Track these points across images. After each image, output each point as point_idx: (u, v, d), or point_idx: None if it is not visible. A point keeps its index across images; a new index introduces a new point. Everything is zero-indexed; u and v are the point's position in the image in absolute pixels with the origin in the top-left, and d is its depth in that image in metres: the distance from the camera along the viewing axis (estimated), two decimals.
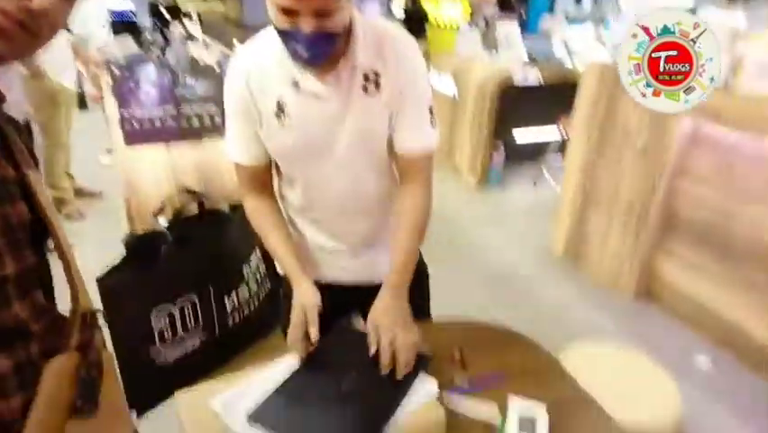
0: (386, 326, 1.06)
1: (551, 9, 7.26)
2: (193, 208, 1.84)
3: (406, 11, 6.62)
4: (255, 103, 1.08)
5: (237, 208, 1.63)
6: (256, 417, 0.94)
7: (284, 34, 0.97)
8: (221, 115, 2.23)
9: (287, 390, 1.01)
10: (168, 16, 3.74)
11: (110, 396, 0.59)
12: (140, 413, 1.46)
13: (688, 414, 1.51)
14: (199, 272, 1.55)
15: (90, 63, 3.68)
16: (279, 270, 1.31)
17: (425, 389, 1.03)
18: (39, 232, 0.59)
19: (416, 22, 5.82)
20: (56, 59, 3.24)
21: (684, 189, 2.67)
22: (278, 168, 1.21)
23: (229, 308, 1.64)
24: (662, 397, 1.52)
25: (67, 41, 3.44)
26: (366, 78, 1.07)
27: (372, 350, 1.06)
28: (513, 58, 4.45)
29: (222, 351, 1.65)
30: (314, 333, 1.07)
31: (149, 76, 2.08)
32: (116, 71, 2.05)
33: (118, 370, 0.68)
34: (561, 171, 3.45)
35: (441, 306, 1.39)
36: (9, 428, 0.51)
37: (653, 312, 2.88)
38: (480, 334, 1.29)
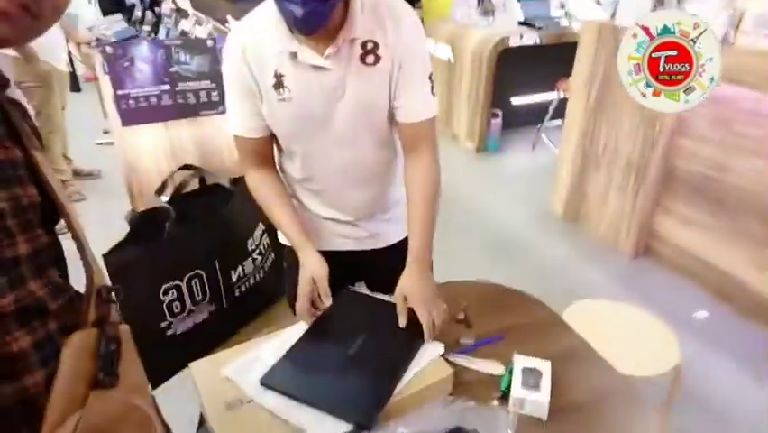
0: (420, 302, 1.08)
1: None
2: (194, 185, 1.85)
3: None
4: (254, 76, 1.08)
5: (238, 183, 1.65)
6: (268, 380, 0.98)
7: None
8: (217, 91, 2.22)
9: (296, 354, 1.05)
10: None
11: (129, 368, 0.61)
12: (154, 385, 1.51)
13: (687, 362, 1.56)
14: (205, 247, 1.58)
15: (81, 43, 3.64)
16: (283, 240, 1.33)
17: (431, 349, 1.06)
18: (49, 213, 0.60)
19: None
20: (47, 41, 3.20)
21: (682, 146, 2.67)
22: (278, 141, 1.22)
23: (235, 280, 1.67)
24: (661, 347, 1.56)
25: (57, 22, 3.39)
26: (365, 48, 1.07)
27: (402, 322, 1.08)
28: (509, 21, 4.38)
29: (230, 322, 1.69)
30: (328, 302, 1.10)
31: (142, 54, 2.06)
32: (109, 50, 2.03)
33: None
34: (559, 135, 3.44)
35: (444, 269, 1.42)
36: (34, 402, 0.53)
37: (652, 268, 2.92)
38: (484, 293, 1.32)
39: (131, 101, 2.13)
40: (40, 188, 0.58)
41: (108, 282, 0.64)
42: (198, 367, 1.05)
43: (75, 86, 5.18)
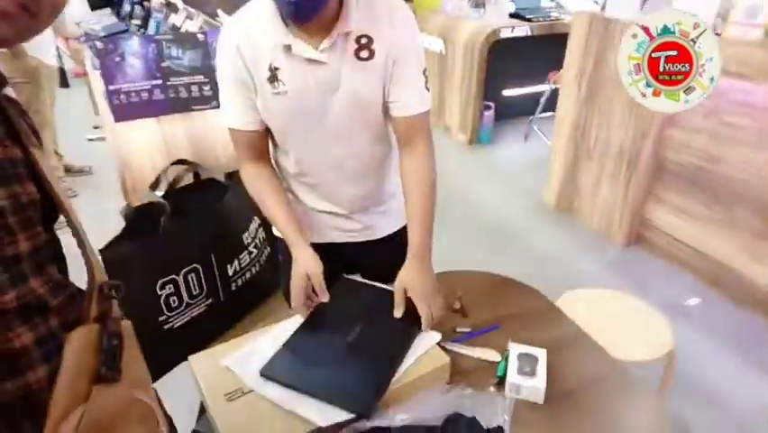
0: (421, 297, 1.09)
1: None
2: (188, 179, 1.85)
3: None
4: (248, 70, 1.08)
5: (233, 177, 1.65)
6: (268, 371, 0.98)
7: None
8: (209, 85, 2.21)
9: (295, 344, 1.06)
10: None
11: (131, 363, 0.61)
12: (153, 379, 1.52)
13: (680, 348, 1.58)
14: (201, 241, 1.58)
15: (70, 38, 3.60)
16: (278, 233, 1.34)
17: (428, 338, 1.07)
18: (48, 210, 0.60)
19: None
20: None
21: (673, 136, 2.69)
22: (272, 135, 1.22)
23: (231, 274, 1.67)
24: (654, 333, 1.59)
25: None
26: (359, 43, 1.07)
27: (398, 313, 1.10)
28: (500, 13, 4.39)
29: (227, 315, 1.70)
30: (324, 298, 1.12)
31: (133, 49, 2.04)
32: (100, 45, 2.01)
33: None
34: (551, 126, 3.46)
35: (439, 260, 1.43)
36: (37, 397, 0.54)
37: (644, 257, 2.96)
38: (480, 283, 1.34)
39: (122, 96, 2.12)
40: (38, 185, 0.58)
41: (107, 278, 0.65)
42: (197, 360, 1.06)
43: (63, 81, 5.13)
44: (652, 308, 1.69)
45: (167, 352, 1.36)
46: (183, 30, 2.55)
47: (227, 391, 0.96)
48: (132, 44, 2.06)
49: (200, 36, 2.16)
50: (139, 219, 1.55)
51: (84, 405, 0.55)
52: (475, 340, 1.15)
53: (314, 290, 1.12)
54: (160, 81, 2.15)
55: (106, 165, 3.74)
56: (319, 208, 1.31)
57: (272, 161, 1.29)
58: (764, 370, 2.18)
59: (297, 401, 0.93)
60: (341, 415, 0.90)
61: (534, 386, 0.99)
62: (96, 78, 2.66)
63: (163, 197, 1.63)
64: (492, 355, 1.10)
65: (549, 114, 4.02)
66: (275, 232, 1.36)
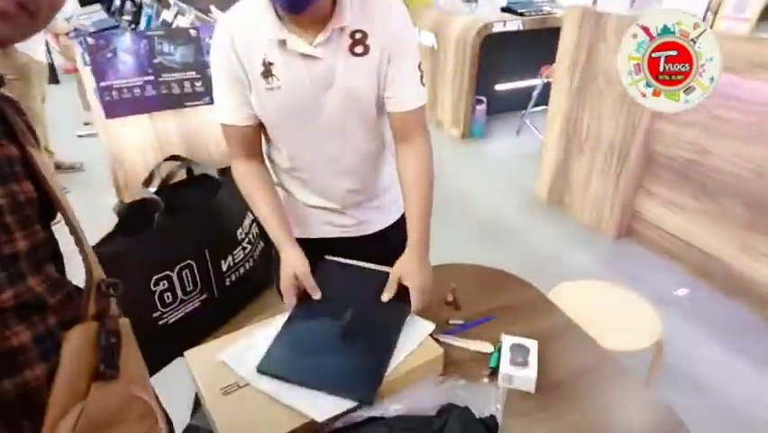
0: (418, 288, 1.10)
1: None
2: (181, 175, 1.84)
3: None
4: (242, 65, 1.08)
5: (226, 173, 1.65)
6: (265, 367, 0.99)
7: None
8: (201, 81, 2.21)
9: (289, 336, 1.06)
10: None
11: (130, 361, 0.62)
12: (149, 375, 1.52)
13: (669, 338, 1.61)
14: (195, 237, 1.58)
15: (59, 34, 3.57)
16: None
17: (422, 327, 1.09)
18: (45, 209, 0.60)
19: None
20: None
21: (663, 130, 2.72)
22: (266, 131, 1.22)
23: (225, 270, 1.68)
24: (643, 323, 1.61)
25: None
26: (354, 38, 1.07)
27: (386, 298, 1.11)
28: (492, 8, 4.40)
29: (221, 311, 1.70)
30: (317, 296, 1.12)
31: (125, 45, 2.03)
32: (91, 42, 2.00)
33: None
34: (543, 120, 3.48)
35: (432, 254, 1.44)
36: (35, 395, 0.54)
37: (634, 250, 2.99)
38: (472, 276, 1.36)
39: (114, 92, 2.11)
40: (36, 183, 0.58)
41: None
42: (193, 355, 1.06)
43: (53, 77, 5.09)
44: (641, 299, 1.72)
45: (161, 348, 1.37)
46: (174, 26, 2.54)
47: (223, 386, 0.97)
48: (124, 40, 2.06)
49: (192, 32, 2.15)
50: (132, 215, 1.55)
51: (82, 403, 0.55)
52: (468, 332, 1.16)
53: (305, 291, 1.13)
54: (151, 77, 2.14)
55: (97, 161, 3.73)
56: (312, 204, 1.31)
57: (265, 157, 1.29)
58: (751, 358, 2.22)
59: (295, 395, 0.93)
60: (338, 408, 0.91)
61: (525, 376, 1.00)
62: (86, 75, 2.64)
63: (156, 193, 1.63)
64: (485, 347, 1.11)
65: (541, 108, 4.04)
66: None
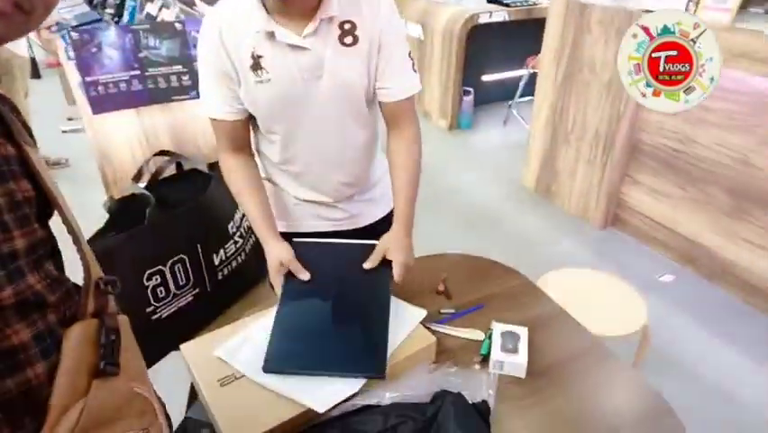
0: (403, 261, 1.13)
1: None
2: (171, 170, 1.84)
3: None
4: (231, 59, 1.08)
5: (216, 167, 1.65)
6: (270, 366, 0.97)
7: None
8: (188, 75, 2.20)
9: (284, 328, 1.05)
10: None
11: (129, 357, 0.62)
12: None
13: (654, 323, 1.65)
14: (187, 232, 1.58)
15: (41, 28, 3.51)
16: None
17: (414, 313, 1.11)
18: (43, 207, 0.60)
19: None
20: None
21: (647, 119, 2.76)
22: (254, 124, 1.22)
23: (217, 264, 1.68)
24: (630, 309, 1.65)
25: None
26: (342, 29, 1.08)
27: (369, 265, 1.13)
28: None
29: (214, 304, 1.70)
30: (305, 278, 1.12)
31: (110, 39, 2.01)
32: (75, 36, 1.98)
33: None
34: (530, 110, 3.50)
35: (421, 244, 1.46)
36: (37, 393, 0.54)
37: (620, 237, 3.04)
38: (462, 265, 1.38)
39: (100, 87, 2.09)
40: (33, 182, 0.58)
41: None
42: (189, 348, 1.07)
43: (35, 72, 5.01)
44: (627, 286, 1.76)
45: (155, 342, 1.36)
46: (159, 19, 2.51)
47: (220, 377, 0.98)
48: (109, 35, 2.03)
49: (178, 25, 2.13)
50: (123, 211, 1.55)
51: (83, 400, 0.55)
52: (459, 321, 1.18)
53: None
54: (137, 72, 2.12)
55: (83, 157, 3.69)
56: (303, 198, 1.32)
57: (254, 150, 1.29)
58: (735, 342, 2.28)
59: (295, 387, 0.93)
60: (338, 397, 0.92)
61: (516, 362, 1.03)
62: (70, 69, 2.61)
63: (146, 188, 1.62)
64: (476, 335, 1.14)
65: (528, 98, 4.06)
66: None
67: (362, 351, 0.99)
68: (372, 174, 1.33)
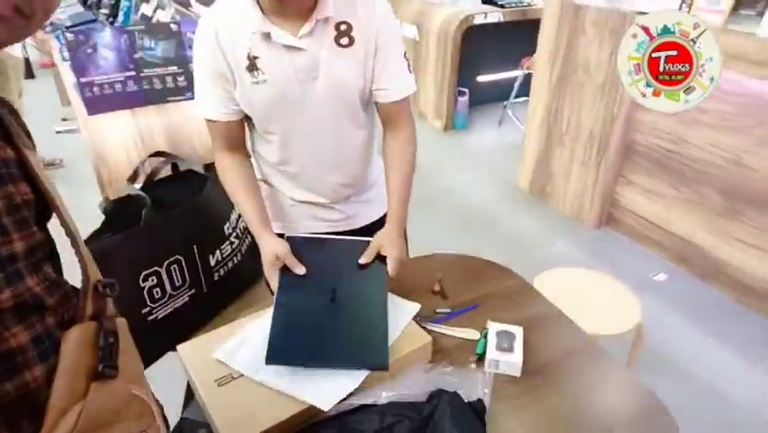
0: (397, 257, 1.14)
1: None
2: (166, 171, 1.84)
3: None
4: (227, 60, 1.09)
5: (212, 168, 1.65)
6: (272, 358, 0.97)
7: None
8: (184, 76, 2.20)
9: (284, 322, 1.04)
10: None
11: (127, 360, 0.62)
12: None
13: (648, 322, 1.67)
14: (183, 233, 1.58)
15: None
16: None
17: (409, 308, 1.12)
18: (41, 210, 0.60)
19: None
20: None
21: (641, 120, 2.78)
22: (251, 124, 1.23)
23: (213, 264, 1.69)
24: (624, 308, 1.67)
25: None
26: (338, 30, 1.09)
27: (364, 260, 1.13)
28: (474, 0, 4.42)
29: (211, 305, 1.71)
30: (301, 272, 1.12)
31: (105, 40, 2.01)
32: (70, 37, 1.97)
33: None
34: (525, 111, 3.52)
35: (416, 245, 1.47)
36: (35, 396, 0.54)
37: (615, 237, 3.06)
38: (458, 266, 1.38)
39: (95, 88, 2.08)
40: (31, 185, 0.58)
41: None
42: (185, 349, 1.07)
43: (29, 72, 4.99)
44: (621, 285, 1.77)
45: (151, 343, 1.37)
46: (154, 20, 2.51)
47: (217, 378, 0.98)
48: (104, 35, 2.03)
49: (173, 26, 2.13)
50: (119, 212, 1.55)
51: (82, 402, 0.55)
52: (455, 320, 1.19)
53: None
54: (133, 73, 2.12)
55: (77, 158, 3.68)
56: (299, 199, 1.32)
57: (250, 151, 1.30)
58: (728, 341, 2.30)
59: (296, 385, 0.94)
60: (341, 393, 0.92)
61: (511, 361, 1.04)
62: (65, 70, 2.60)
63: (142, 189, 1.62)
64: (471, 334, 1.14)
65: (523, 99, 4.08)
66: None
67: (364, 344, 1.00)
68: (369, 175, 1.34)
